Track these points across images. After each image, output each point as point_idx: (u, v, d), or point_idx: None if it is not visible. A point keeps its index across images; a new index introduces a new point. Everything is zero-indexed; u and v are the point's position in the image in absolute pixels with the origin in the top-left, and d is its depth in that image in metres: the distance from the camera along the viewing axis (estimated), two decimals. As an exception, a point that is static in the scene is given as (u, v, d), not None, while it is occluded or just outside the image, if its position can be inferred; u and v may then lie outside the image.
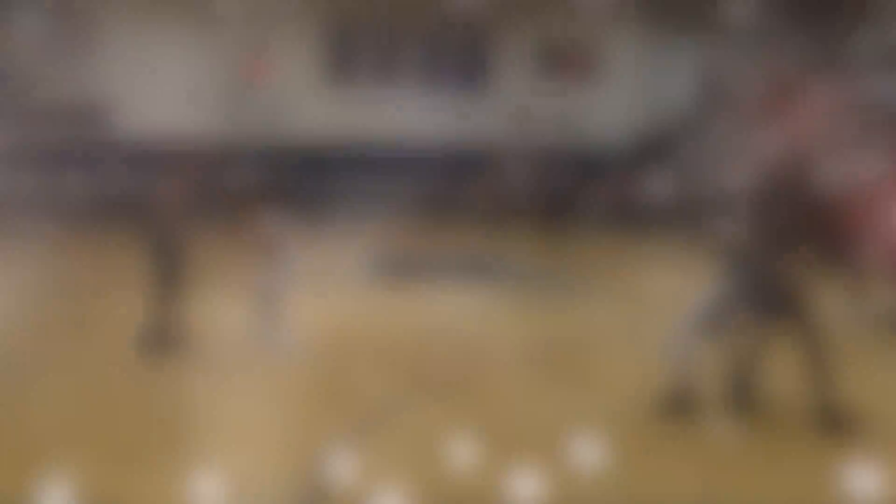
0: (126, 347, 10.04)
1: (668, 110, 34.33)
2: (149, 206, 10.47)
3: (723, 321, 7.62)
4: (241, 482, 5.83)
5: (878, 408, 7.74)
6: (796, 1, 30.76)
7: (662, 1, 29.31)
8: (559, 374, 9.02)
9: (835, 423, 6.75)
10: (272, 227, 10.29)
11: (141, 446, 6.66)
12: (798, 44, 32.81)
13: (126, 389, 8.58)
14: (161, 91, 29.03)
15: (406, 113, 33.36)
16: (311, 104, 31.65)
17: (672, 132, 32.55)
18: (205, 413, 7.44)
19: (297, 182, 30.43)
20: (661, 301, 15.34)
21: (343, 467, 6.14)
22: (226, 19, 27.93)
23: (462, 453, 6.52)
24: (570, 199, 30.62)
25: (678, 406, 7.25)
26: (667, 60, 34.96)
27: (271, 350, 10.03)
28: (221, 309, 12.93)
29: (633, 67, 34.09)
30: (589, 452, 6.60)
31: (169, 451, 6.52)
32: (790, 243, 7.71)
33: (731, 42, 32.72)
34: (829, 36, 32.11)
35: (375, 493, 5.73)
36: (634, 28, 33.90)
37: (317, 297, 13.33)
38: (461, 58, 34.96)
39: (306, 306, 11.69)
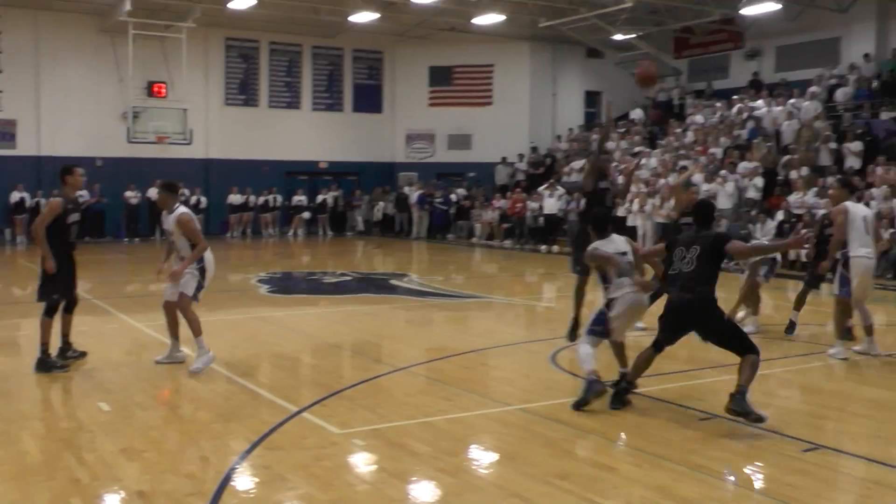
0: (23, 363, 9.57)
1: (560, 131, 35.49)
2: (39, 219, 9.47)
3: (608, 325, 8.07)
4: (146, 498, 5.78)
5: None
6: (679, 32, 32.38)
7: (553, 28, 30.50)
8: (452, 377, 9.26)
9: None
10: (187, 239, 9.43)
11: (41, 462, 6.51)
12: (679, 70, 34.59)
13: (25, 405, 8.32)
14: (71, 111, 29.06)
15: (306, 133, 34.01)
16: (215, 122, 32.12)
17: (563, 151, 33.87)
18: (112, 427, 7.38)
19: (201, 196, 30.71)
20: (548, 309, 15.57)
21: (249, 478, 6.25)
22: (134, 41, 27.96)
23: (360, 457, 6.79)
24: (467, 215, 31.64)
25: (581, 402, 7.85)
26: (558, 84, 36.24)
27: (182, 363, 9.56)
28: (127, 321, 12.73)
29: (527, 91, 35.33)
30: (481, 452, 6.99)
31: (73, 467, 6.36)
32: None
33: (617, 67, 34.20)
34: (706, 63, 34.00)
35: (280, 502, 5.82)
36: (527, 54, 35.27)
37: (220, 311, 13.22)
38: (359, 81, 35.79)
39: (211, 320, 11.20)
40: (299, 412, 7.76)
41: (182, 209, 9.62)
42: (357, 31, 32.60)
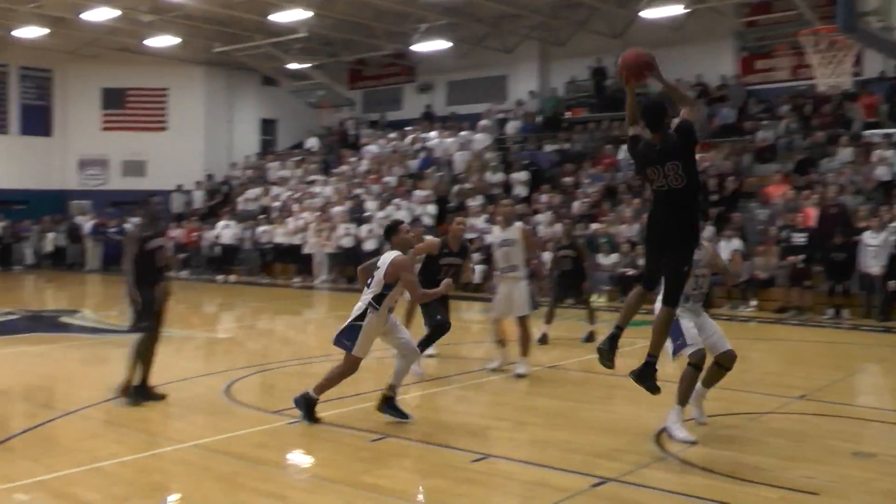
0: None
1: (236, 158, 35.34)
2: None
3: None
4: None
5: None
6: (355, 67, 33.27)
7: (228, 54, 30.36)
8: (125, 418, 9.01)
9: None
10: None
11: None
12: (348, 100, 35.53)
13: None
14: None
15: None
16: None
17: (239, 179, 33.68)
18: None
19: None
20: (226, 340, 15.71)
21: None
22: None
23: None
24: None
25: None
26: (234, 111, 36.10)
27: None
28: None
29: (202, 117, 34.95)
30: (152, 494, 6.83)
31: None
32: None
33: (292, 95, 34.58)
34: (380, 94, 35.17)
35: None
36: (202, 79, 34.91)
37: None
38: (27, 102, 33.82)
39: None
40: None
41: None
42: (24, 47, 30.82)
